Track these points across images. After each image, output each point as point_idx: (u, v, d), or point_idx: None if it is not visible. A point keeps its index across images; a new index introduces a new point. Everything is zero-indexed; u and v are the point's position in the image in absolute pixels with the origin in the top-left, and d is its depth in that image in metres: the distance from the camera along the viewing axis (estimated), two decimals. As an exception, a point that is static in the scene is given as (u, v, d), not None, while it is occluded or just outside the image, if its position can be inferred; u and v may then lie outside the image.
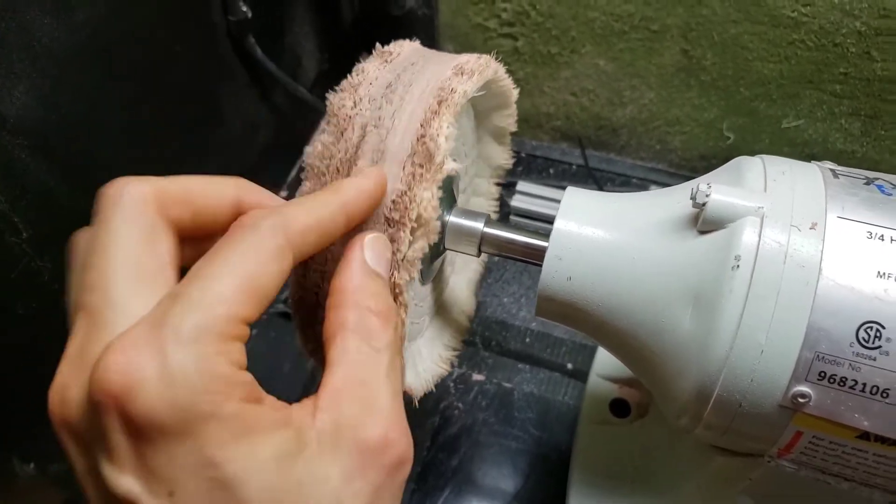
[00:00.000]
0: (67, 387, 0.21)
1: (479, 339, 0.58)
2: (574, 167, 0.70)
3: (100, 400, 0.19)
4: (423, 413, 0.54)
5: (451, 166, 0.27)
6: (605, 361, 0.47)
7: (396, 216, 0.26)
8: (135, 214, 0.22)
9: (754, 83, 0.56)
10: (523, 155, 0.71)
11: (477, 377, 0.56)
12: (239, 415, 0.20)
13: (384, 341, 0.23)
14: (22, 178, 0.37)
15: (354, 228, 0.26)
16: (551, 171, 0.70)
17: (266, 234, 0.22)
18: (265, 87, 0.62)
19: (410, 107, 0.28)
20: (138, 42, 0.44)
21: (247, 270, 0.21)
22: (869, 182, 0.27)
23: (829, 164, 0.29)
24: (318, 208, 0.24)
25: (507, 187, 0.67)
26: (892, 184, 0.27)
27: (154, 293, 0.21)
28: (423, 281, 0.34)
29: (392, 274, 0.27)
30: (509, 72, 0.34)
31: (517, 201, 0.66)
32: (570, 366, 0.56)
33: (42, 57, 0.37)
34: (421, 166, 0.26)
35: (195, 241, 0.25)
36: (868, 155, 0.56)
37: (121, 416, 0.19)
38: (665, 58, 0.57)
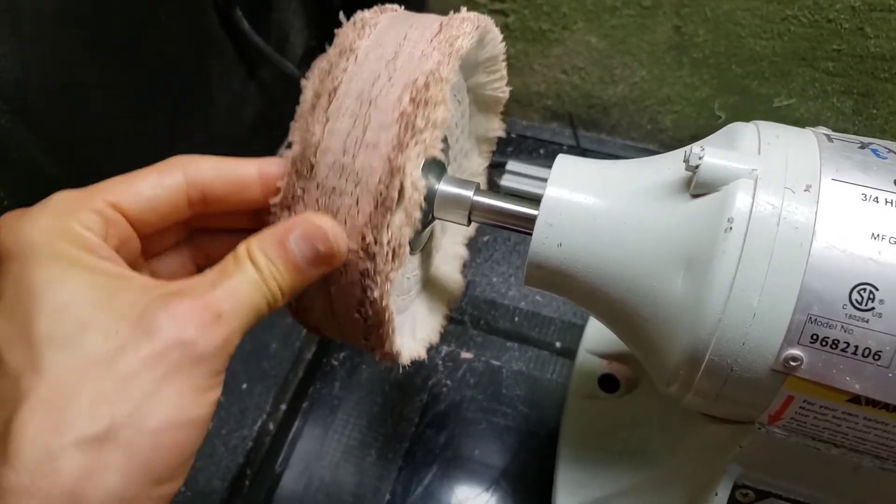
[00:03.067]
0: None
1: (468, 317, 0.58)
2: (565, 147, 0.69)
3: None
4: (411, 390, 0.53)
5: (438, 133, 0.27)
6: (594, 336, 0.47)
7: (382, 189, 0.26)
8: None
9: (747, 60, 0.55)
10: (513, 135, 0.71)
11: (465, 355, 0.55)
12: (67, 253, 0.23)
13: (250, 275, 0.25)
14: (2, 144, 0.37)
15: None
16: (541, 151, 0.70)
17: (166, 163, 0.26)
18: (252, 62, 0.61)
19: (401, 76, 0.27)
20: (123, 11, 0.43)
21: (131, 175, 0.26)
22: (864, 146, 0.27)
23: (823, 130, 0.29)
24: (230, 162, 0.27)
25: (497, 167, 0.66)
26: (886, 148, 0.27)
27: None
28: (412, 250, 0.33)
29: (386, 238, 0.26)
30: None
31: (507, 181, 0.65)
32: (558, 344, 0.55)
33: (24, 21, 0.36)
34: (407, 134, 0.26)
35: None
36: (860, 133, 0.55)
37: None
38: (657, 34, 0.57)
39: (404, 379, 0.54)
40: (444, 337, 0.58)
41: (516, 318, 0.58)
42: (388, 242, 0.26)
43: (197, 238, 0.30)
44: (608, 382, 0.45)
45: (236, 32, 0.56)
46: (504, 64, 0.36)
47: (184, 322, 0.22)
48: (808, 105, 0.56)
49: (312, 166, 0.27)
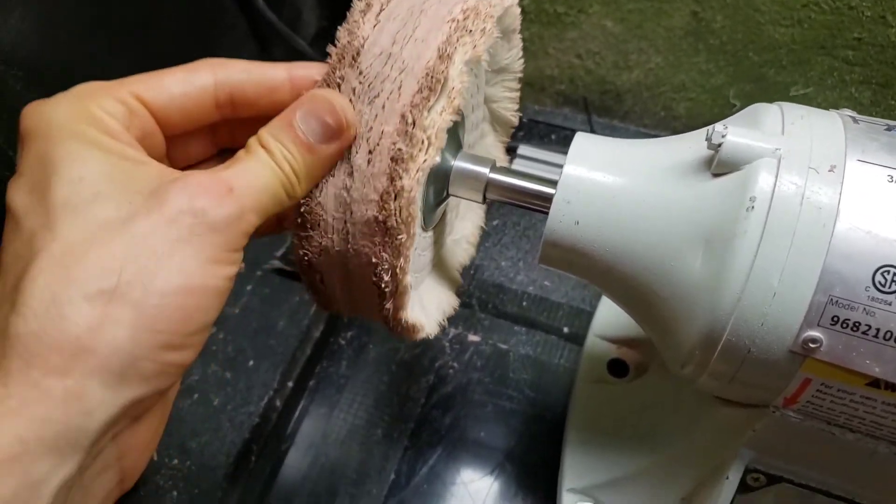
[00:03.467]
0: None
1: (476, 301, 0.58)
2: (577, 133, 0.69)
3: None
4: (418, 371, 0.53)
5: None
6: (604, 321, 0.46)
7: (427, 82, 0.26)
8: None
9: (764, 48, 0.55)
10: (525, 120, 0.70)
11: (473, 338, 0.55)
12: (88, 134, 0.23)
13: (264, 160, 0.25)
14: (17, 111, 0.36)
15: None
16: (553, 136, 0.69)
17: (195, 63, 0.27)
18: (265, 38, 0.60)
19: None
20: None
21: (157, 72, 0.26)
22: (890, 129, 0.27)
23: (848, 112, 0.28)
24: (260, 65, 0.28)
25: (509, 152, 0.66)
26: (912, 131, 0.27)
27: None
28: (424, 227, 0.33)
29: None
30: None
31: (518, 165, 0.65)
32: (566, 329, 0.55)
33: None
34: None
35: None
36: (875, 125, 0.55)
37: (20, 133, 0.24)
38: (674, 19, 0.56)
39: (411, 360, 0.54)
40: (452, 319, 0.57)
41: (524, 303, 0.58)
42: (427, 128, 0.26)
43: (226, 157, 0.30)
44: (617, 367, 0.44)
45: (249, 7, 0.56)
46: (519, 39, 0.36)
47: (195, 192, 0.23)
48: (826, 94, 0.55)
49: (358, 54, 0.27)
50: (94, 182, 0.22)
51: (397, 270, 0.27)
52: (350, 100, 0.27)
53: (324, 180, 0.27)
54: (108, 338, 0.21)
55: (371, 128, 0.26)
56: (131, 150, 0.24)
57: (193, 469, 0.46)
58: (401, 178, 0.26)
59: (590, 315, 0.51)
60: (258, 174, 0.24)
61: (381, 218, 0.26)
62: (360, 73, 0.27)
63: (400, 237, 0.27)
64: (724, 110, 0.61)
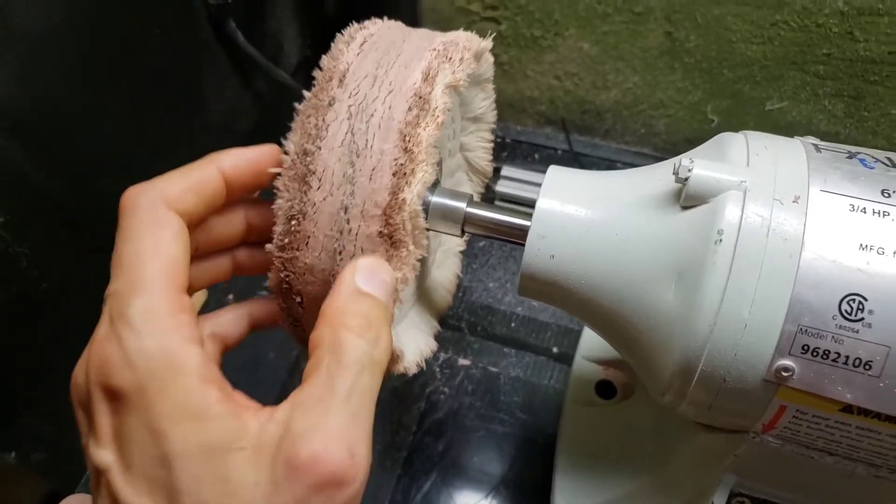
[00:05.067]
0: (83, 369, 0.23)
1: (465, 324, 0.58)
2: (559, 152, 0.70)
3: (89, 377, 0.22)
4: (409, 398, 0.53)
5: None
6: (590, 343, 0.47)
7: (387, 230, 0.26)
8: (150, 215, 0.24)
9: (738, 65, 0.55)
10: (508, 140, 0.71)
11: (463, 362, 0.55)
12: (187, 392, 0.21)
13: (353, 357, 0.23)
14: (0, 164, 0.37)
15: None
16: (536, 156, 0.70)
17: (146, 209, 0.24)
18: (247, 72, 0.61)
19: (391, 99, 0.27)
20: (115, 25, 0.44)
21: (147, 247, 0.24)
22: (851, 156, 0.27)
23: (811, 140, 0.29)
24: (192, 170, 0.27)
25: (492, 172, 0.66)
26: (874, 157, 0.27)
27: (170, 279, 0.23)
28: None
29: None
30: (493, 54, 0.33)
31: (502, 186, 0.65)
32: (555, 350, 0.55)
33: (17, 37, 0.36)
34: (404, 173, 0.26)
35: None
36: (851, 136, 0.56)
37: (101, 387, 0.22)
38: (649, 40, 0.57)
39: (402, 387, 0.54)
40: (442, 343, 0.58)
41: (513, 324, 0.58)
42: (421, 144, 0.26)
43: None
44: (605, 389, 0.45)
45: (230, 43, 0.56)
46: (492, 89, 0.37)
47: (324, 463, 0.21)
48: (801, 108, 0.56)
49: (344, 76, 0.28)
50: (217, 472, 0.21)
51: (398, 282, 0.27)
52: (347, 118, 0.27)
53: (321, 199, 0.27)
54: None
55: (371, 146, 0.27)
56: (227, 402, 0.22)
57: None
58: (402, 191, 0.26)
59: (577, 334, 0.51)
60: (363, 391, 0.23)
61: (385, 232, 0.26)
62: (350, 94, 0.27)
63: (406, 248, 0.27)
64: (702, 125, 0.62)
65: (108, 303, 0.23)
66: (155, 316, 0.22)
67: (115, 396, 0.22)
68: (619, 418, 0.42)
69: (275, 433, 0.21)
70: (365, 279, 0.25)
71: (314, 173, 0.27)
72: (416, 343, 0.37)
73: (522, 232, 0.30)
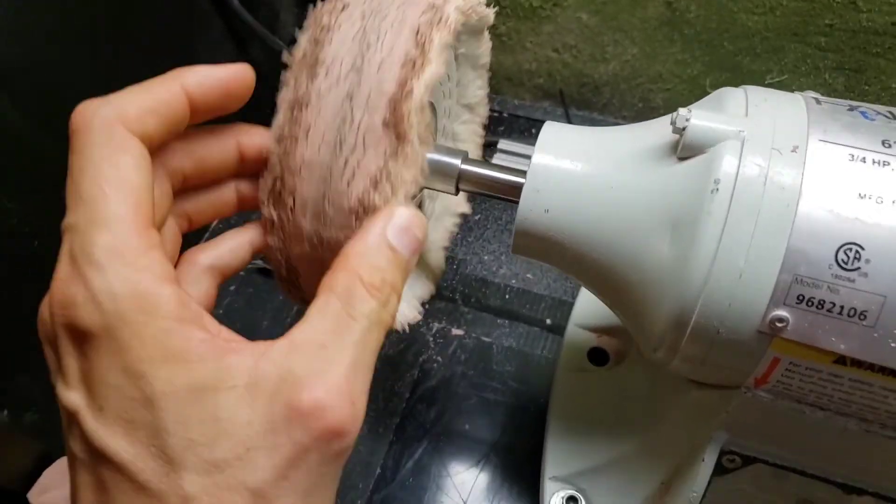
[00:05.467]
0: (47, 306, 0.22)
1: (459, 295, 0.58)
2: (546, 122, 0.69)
3: (53, 317, 0.21)
4: (402, 366, 0.53)
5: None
6: (583, 311, 0.47)
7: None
8: (107, 139, 0.22)
9: (738, 36, 0.55)
10: (505, 115, 0.71)
11: (456, 332, 0.55)
12: (165, 334, 0.21)
13: (363, 311, 0.23)
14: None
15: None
16: (533, 130, 0.69)
17: (102, 131, 0.22)
18: (242, 39, 0.60)
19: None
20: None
21: (108, 177, 0.22)
22: (852, 108, 0.27)
23: (812, 94, 0.29)
24: (153, 88, 0.24)
25: (489, 146, 0.66)
26: (875, 111, 0.27)
27: (135, 213, 0.22)
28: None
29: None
30: (491, 26, 0.33)
31: (499, 160, 0.65)
32: (549, 321, 0.55)
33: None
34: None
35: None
36: (850, 111, 0.56)
37: (66, 328, 0.21)
38: (649, 10, 0.56)
39: (395, 355, 0.54)
40: (435, 314, 0.58)
41: (507, 296, 0.58)
42: (437, 41, 0.26)
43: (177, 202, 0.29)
44: (597, 355, 0.45)
45: (225, 9, 0.56)
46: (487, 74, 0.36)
47: (323, 413, 0.21)
48: (800, 81, 0.56)
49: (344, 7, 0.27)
50: (204, 412, 0.20)
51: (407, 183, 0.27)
52: (361, 18, 0.27)
53: (326, 88, 0.26)
54: None
55: (382, 41, 0.26)
56: (214, 340, 0.22)
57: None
58: (411, 81, 0.25)
59: (571, 306, 0.51)
60: (368, 345, 0.23)
61: (390, 121, 0.25)
62: (364, 1, 0.27)
63: (411, 144, 0.26)
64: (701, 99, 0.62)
65: (67, 238, 0.21)
66: (122, 254, 0.21)
67: (81, 337, 0.21)
68: (612, 384, 0.42)
69: (271, 372, 0.21)
70: (396, 234, 0.24)
71: (323, 63, 0.26)
72: (408, 303, 0.37)
73: (517, 188, 0.30)
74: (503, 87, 0.69)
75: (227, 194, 0.29)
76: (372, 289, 0.23)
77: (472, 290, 0.58)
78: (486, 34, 0.34)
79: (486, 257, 0.61)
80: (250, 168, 0.28)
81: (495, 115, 0.71)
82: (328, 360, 0.21)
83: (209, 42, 0.57)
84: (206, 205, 0.29)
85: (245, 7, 0.56)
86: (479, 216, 0.63)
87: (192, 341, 0.21)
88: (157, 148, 0.24)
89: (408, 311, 0.35)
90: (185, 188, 0.27)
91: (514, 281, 0.59)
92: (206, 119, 0.26)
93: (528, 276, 0.59)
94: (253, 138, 0.28)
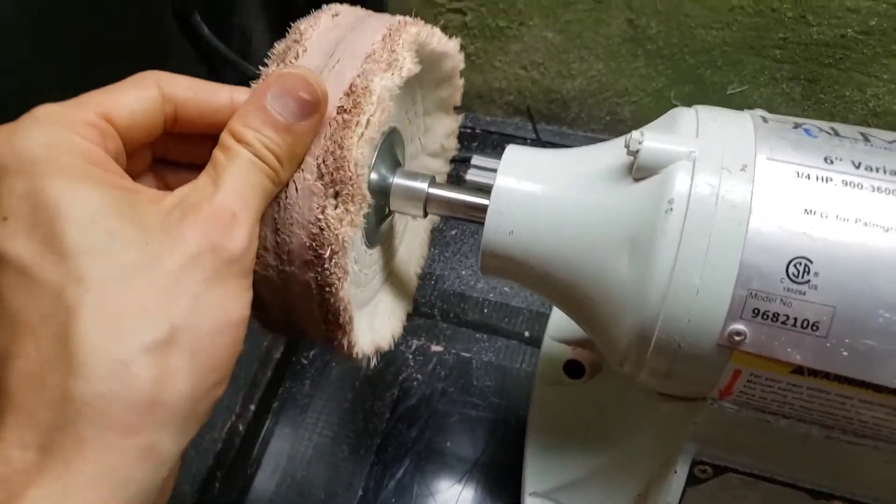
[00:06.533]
0: None
1: (438, 311, 0.58)
2: (528, 141, 0.70)
3: None
4: (382, 385, 0.54)
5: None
6: (558, 324, 0.47)
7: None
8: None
9: (699, 51, 0.56)
10: (478, 130, 0.72)
11: (435, 348, 0.56)
12: (77, 166, 0.22)
13: (237, 153, 0.24)
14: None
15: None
16: (506, 145, 0.70)
17: (140, 76, 0.26)
18: (215, 67, 0.61)
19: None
20: (80, 17, 0.43)
21: (110, 89, 0.25)
22: (797, 126, 0.28)
23: (760, 112, 0.30)
24: (205, 85, 0.27)
25: (463, 162, 0.67)
26: (818, 128, 0.28)
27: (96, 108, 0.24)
28: (369, 244, 0.34)
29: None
30: (460, 46, 0.34)
31: (472, 175, 0.65)
32: (527, 333, 0.56)
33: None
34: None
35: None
36: (810, 117, 0.57)
37: None
38: (612, 28, 0.58)
39: (375, 374, 0.54)
40: (415, 331, 0.58)
41: (485, 310, 0.59)
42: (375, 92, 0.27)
43: (158, 169, 0.29)
44: (573, 368, 0.45)
45: (197, 37, 0.56)
46: (459, 82, 0.37)
47: (207, 228, 0.22)
48: (760, 91, 0.58)
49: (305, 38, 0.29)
50: (104, 221, 0.21)
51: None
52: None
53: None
54: (173, 388, 0.21)
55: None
56: (122, 179, 0.23)
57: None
58: (349, 149, 0.26)
59: (548, 318, 0.52)
60: (248, 179, 0.24)
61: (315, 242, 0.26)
62: (306, 50, 0.28)
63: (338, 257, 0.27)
64: (667, 111, 0.63)
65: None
66: (59, 119, 0.23)
67: None
68: (587, 396, 0.43)
69: (167, 200, 0.23)
70: (274, 97, 0.25)
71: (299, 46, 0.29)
72: (385, 326, 0.37)
73: (483, 209, 0.31)
74: (475, 104, 0.70)
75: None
76: (242, 140, 0.24)
77: (451, 305, 0.59)
78: (458, 81, 0.35)
79: (463, 272, 0.62)
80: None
81: (468, 131, 0.72)
82: (212, 193, 0.23)
83: (181, 70, 0.57)
84: (188, 177, 0.29)
85: (217, 35, 0.56)
86: (455, 231, 0.64)
87: (100, 171, 0.23)
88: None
89: (369, 340, 0.35)
90: (173, 130, 0.27)
91: (491, 295, 0.59)
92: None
93: (506, 289, 0.60)
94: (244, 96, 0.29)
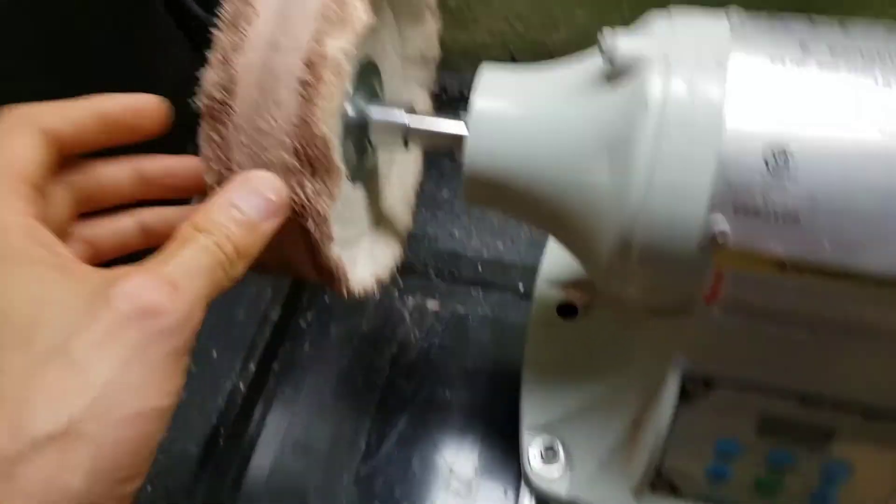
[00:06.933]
0: None
1: (432, 269, 0.58)
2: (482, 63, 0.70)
3: None
4: (381, 343, 0.54)
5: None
6: (551, 267, 0.47)
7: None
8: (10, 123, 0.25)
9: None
10: (465, 91, 0.71)
11: (431, 305, 0.56)
12: (5, 242, 0.22)
13: (193, 240, 0.23)
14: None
15: None
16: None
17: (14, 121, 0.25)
18: (200, 39, 0.61)
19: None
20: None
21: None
22: (772, 18, 0.28)
23: (735, 7, 0.29)
24: (68, 101, 0.26)
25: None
26: (795, 20, 0.28)
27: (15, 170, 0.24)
28: (351, 178, 0.33)
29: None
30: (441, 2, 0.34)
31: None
32: (521, 287, 0.56)
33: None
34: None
35: None
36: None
37: None
38: (593, -27, 0.57)
39: (373, 333, 0.54)
40: (410, 289, 0.58)
41: (479, 267, 0.58)
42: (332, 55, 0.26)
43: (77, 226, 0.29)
44: (566, 309, 0.45)
45: (181, 7, 0.56)
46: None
47: (138, 291, 0.21)
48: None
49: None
50: (26, 309, 0.20)
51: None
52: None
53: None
54: (64, 488, 0.19)
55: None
56: (55, 255, 0.22)
57: (165, 463, 0.46)
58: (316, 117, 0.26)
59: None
60: (199, 261, 0.23)
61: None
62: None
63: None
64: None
65: None
66: None
67: None
68: (581, 334, 0.43)
69: (102, 274, 0.22)
70: (242, 195, 0.25)
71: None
72: (371, 265, 0.37)
73: (461, 135, 0.31)
74: (460, 63, 0.69)
75: (126, 221, 0.30)
76: (202, 230, 0.24)
77: (445, 263, 0.59)
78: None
79: (456, 231, 0.61)
80: (155, 193, 0.30)
81: (456, 94, 0.71)
82: (154, 263, 0.22)
83: (165, 41, 0.57)
84: (108, 231, 0.29)
85: (201, 5, 0.56)
86: (446, 193, 0.64)
87: (32, 248, 0.22)
88: (67, 151, 0.26)
89: (365, 275, 0.35)
90: (87, 210, 0.28)
91: (485, 252, 0.59)
92: (122, 139, 0.28)
93: (499, 246, 0.59)
94: (155, 163, 0.30)
